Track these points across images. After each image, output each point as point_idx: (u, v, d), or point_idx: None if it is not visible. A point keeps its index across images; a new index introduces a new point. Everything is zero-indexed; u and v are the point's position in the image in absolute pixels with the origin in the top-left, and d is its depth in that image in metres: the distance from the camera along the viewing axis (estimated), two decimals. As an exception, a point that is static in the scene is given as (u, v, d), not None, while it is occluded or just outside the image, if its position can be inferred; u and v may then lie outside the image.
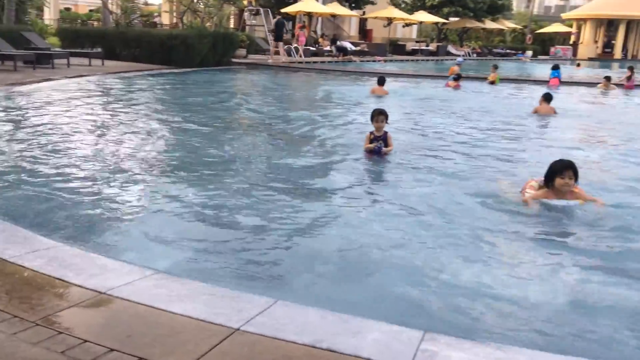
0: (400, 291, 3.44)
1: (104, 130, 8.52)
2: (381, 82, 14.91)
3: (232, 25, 35.32)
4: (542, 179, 5.15)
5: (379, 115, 7.12)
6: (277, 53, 26.23)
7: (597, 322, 3.16)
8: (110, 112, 10.42)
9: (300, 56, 27.44)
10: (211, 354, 2.34)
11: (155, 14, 43.51)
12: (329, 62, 29.24)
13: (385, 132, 7.18)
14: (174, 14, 32.27)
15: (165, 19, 40.46)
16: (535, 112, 12.38)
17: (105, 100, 12.36)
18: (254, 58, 27.71)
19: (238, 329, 2.55)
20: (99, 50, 20.32)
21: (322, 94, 15.85)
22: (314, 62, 27.89)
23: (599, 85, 20.17)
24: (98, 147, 7.23)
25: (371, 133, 7.20)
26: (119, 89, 14.62)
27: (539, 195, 5.11)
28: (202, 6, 26.46)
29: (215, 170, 6.36)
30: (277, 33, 26.18)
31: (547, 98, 12.43)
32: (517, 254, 4.11)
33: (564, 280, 3.69)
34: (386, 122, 7.20)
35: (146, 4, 49.44)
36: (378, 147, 6.98)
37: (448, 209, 5.05)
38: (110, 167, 6.18)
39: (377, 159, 7.01)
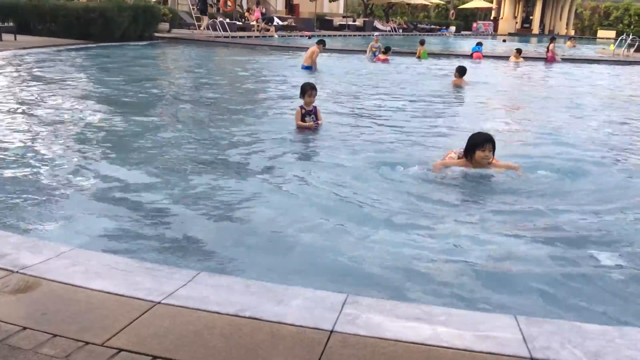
0: (326, 259, 3.48)
1: (18, 107, 8.08)
2: (462, 72, 13.05)
3: (154, -1, 34.06)
4: (462, 150, 5.29)
5: (312, 90, 7.06)
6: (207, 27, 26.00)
7: (510, 279, 3.33)
8: (24, 89, 9.87)
9: (227, 30, 26.90)
10: (130, 327, 2.28)
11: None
12: (255, 36, 28.82)
13: (315, 107, 7.18)
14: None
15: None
16: (454, 85, 12.84)
17: (19, 76, 11.69)
18: (178, 32, 26.94)
19: (159, 302, 2.50)
20: (11, 24, 19.13)
21: (249, 69, 15.63)
22: (241, 37, 27.43)
23: (510, 58, 21.04)
24: (13, 125, 6.85)
25: (302, 108, 7.13)
26: (35, 65, 13.84)
27: (457, 163, 5.25)
28: (122, -22, 25.31)
29: (138, 147, 6.16)
30: (201, 7, 25.85)
31: (460, 71, 12.90)
32: (437, 220, 4.22)
33: (481, 242, 3.83)
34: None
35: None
36: (316, 124, 7.04)
37: (371, 181, 5.12)
38: (25, 145, 5.89)
39: (309, 133, 6.99)
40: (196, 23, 25.95)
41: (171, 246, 3.54)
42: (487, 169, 5.16)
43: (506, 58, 22.00)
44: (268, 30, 31.18)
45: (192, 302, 2.52)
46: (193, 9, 28.53)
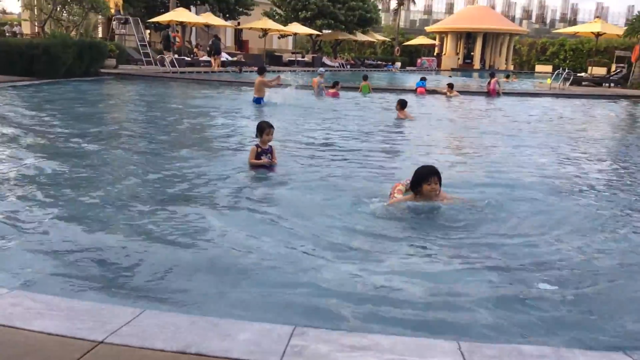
0: (273, 292, 3.49)
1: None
2: (403, 105, 13.53)
3: (100, 35, 33.76)
4: (409, 181, 5.36)
5: (270, 128, 6.90)
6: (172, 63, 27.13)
7: (455, 306, 3.40)
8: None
9: (174, 66, 26.88)
10: (72, 369, 2.23)
11: (15, 23, 40.63)
12: (204, 72, 28.87)
13: (270, 146, 7.00)
14: (35, 23, 30.22)
15: (25, 29, 37.85)
16: (398, 116, 13.28)
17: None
18: (125, 68, 26.70)
19: (102, 342, 2.45)
20: (-53, 61, 18.57)
21: (198, 104, 15.59)
22: (190, 72, 27.42)
23: (446, 91, 21.83)
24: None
25: (257, 146, 6.93)
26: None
27: (406, 200, 5.30)
28: (66, 14, 25.04)
29: (77, 185, 6.01)
30: (164, 43, 29.47)
31: (402, 104, 13.37)
32: (383, 252, 4.26)
33: (426, 272, 3.91)
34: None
35: (4, 12, 46.06)
36: (269, 162, 6.86)
37: (321, 215, 5.15)
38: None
39: (262, 171, 6.80)
40: (159, 58, 26.32)
41: (114, 285, 3.48)
42: (435, 201, 5.25)
43: (461, 93, 22.81)
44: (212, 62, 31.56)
45: (135, 340, 2.48)
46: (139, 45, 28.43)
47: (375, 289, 3.58)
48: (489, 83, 23.03)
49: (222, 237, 4.46)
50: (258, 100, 15.24)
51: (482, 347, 2.55)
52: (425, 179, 5.12)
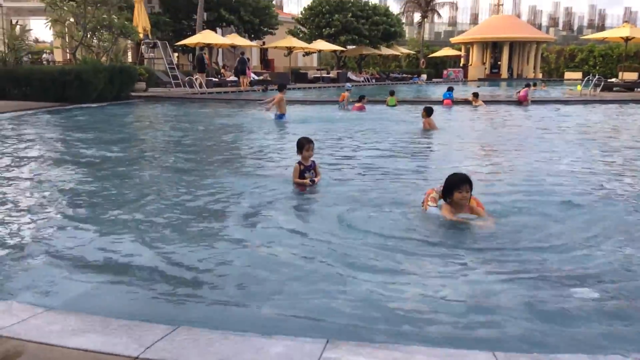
0: (305, 306, 3.47)
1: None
2: (429, 112, 13.45)
3: (130, 59, 34.56)
4: (441, 187, 5.33)
5: (309, 144, 6.72)
6: (201, 85, 27.75)
7: (490, 316, 3.34)
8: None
9: (204, 87, 27.33)
10: (108, 384, 2.26)
11: (47, 51, 41.88)
12: (232, 92, 29.25)
13: (313, 161, 6.83)
14: (67, 49, 31.12)
15: (57, 56, 39.00)
16: (424, 127, 13.21)
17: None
18: (154, 91, 27.23)
19: (137, 357, 2.48)
20: (-16, 90, 19.20)
21: (225, 123, 15.80)
22: (217, 93, 27.82)
23: (472, 101, 21.67)
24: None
25: (300, 164, 6.73)
26: (9, 127, 13.85)
27: (445, 212, 5.24)
28: (96, 41, 25.70)
29: (112, 205, 6.11)
30: (198, 66, 29.97)
31: (428, 111, 13.30)
32: (416, 263, 4.24)
33: (460, 283, 3.87)
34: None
35: (36, 41, 47.50)
36: (312, 180, 6.66)
37: (353, 228, 5.13)
38: (2, 207, 5.85)
39: (307, 189, 6.64)
40: (195, 82, 26.89)
41: (148, 302, 3.51)
42: (467, 212, 5.20)
43: (487, 102, 22.66)
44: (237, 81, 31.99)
45: (170, 356, 2.51)
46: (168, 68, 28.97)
47: (408, 301, 3.54)
48: (519, 92, 22.84)
49: (253, 252, 4.48)
50: (280, 117, 15.51)
51: (518, 356, 2.50)
52: (457, 186, 5.10)
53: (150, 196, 6.51)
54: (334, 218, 5.48)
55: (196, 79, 27.47)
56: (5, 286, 3.76)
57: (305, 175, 6.68)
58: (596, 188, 7.10)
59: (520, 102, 22.31)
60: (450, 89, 23.00)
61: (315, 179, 6.72)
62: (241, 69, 32.15)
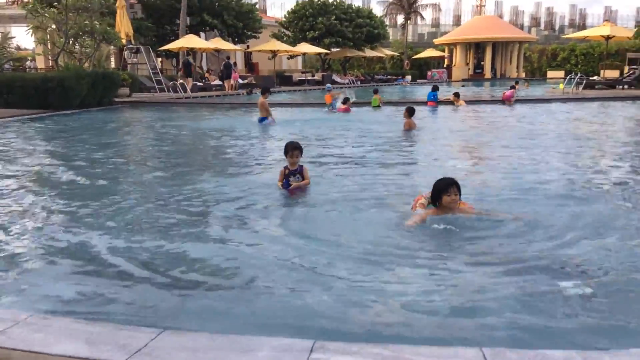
0: (292, 307, 3.46)
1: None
2: (411, 112, 13.48)
3: (113, 65, 34.32)
4: (429, 193, 5.32)
5: (293, 150, 6.64)
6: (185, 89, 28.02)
7: (478, 313, 3.35)
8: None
9: (188, 91, 27.23)
10: (93, 390, 2.23)
11: (29, 58, 41.48)
12: (216, 96, 29.15)
13: (301, 166, 6.75)
14: (49, 56, 30.85)
15: (40, 63, 38.63)
16: (404, 127, 13.24)
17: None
18: (138, 96, 27.06)
19: (122, 363, 2.45)
20: (-35, 98, 18.94)
21: (211, 127, 15.76)
22: (202, 97, 27.71)
23: (453, 100, 21.83)
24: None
25: (285, 168, 6.71)
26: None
27: (429, 214, 5.24)
28: (78, 47, 25.50)
29: (97, 210, 6.05)
30: (186, 70, 30.36)
31: (410, 111, 13.34)
32: (403, 264, 4.20)
33: (447, 281, 3.87)
34: (300, 156, 6.78)
35: (18, 48, 47.00)
36: (296, 186, 6.59)
37: (340, 230, 5.13)
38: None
39: (294, 193, 6.55)
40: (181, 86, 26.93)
41: (133, 307, 3.48)
42: (457, 213, 5.19)
43: (471, 102, 22.79)
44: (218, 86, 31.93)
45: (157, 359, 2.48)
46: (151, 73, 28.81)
47: (396, 300, 3.54)
48: (505, 91, 22.99)
49: (239, 254, 4.46)
50: (261, 120, 15.43)
51: (506, 352, 2.51)
52: (444, 190, 5.12)
53: (134, 200, 6.46)
54: (319, 220, 5.48)
55: (181, 84, 27.36)
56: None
57: (290, 179, 6.65)
58: (581, 182, 7.18)
59: (504, 102, 22.47)
60: (435, 89, 22.99)
61: (302, 183, 6.65)
62: (227, 74, 32.12)
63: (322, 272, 4.04)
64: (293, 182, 6.62)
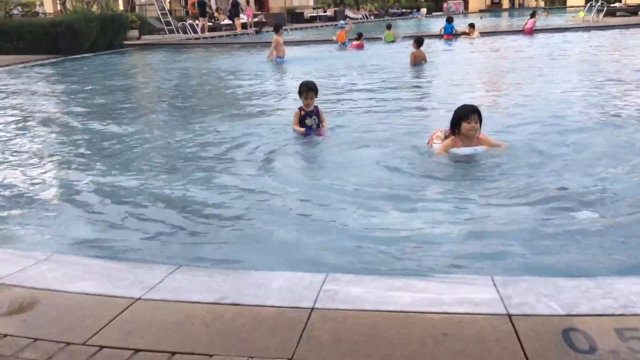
0: (307, 242, 3.48)
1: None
2: (420, 42, 13.23)
3: (121, 7, 33.76)
4: (447, 128, 5.20)
5: (308, 92, 6.32)
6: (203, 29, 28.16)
7: (490, 244, 3.34)
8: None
9: (198, 32, 26.81)
10: (111, 325, 2.29)
11: (38, 3, 40.94)
12: (227, 35, 28.70)
13: (316, 107, 6.44)
14: (57, 1, 30.36)
15: (48, 8, 38.13)
16: (412, 59, 12.99)
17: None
18: (147, 39, 26.75)
19: (139, 298, 2.51)
20: (-25, 45, 18.88)
21: (224, 67, 15.56)
22: (212, 37, 27.30)
23: (468, 32, 21.22)
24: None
25: (300, 109, 6.40)
26: (5, 81, 13.68)
27: (447, 145, 5.14)
28: (85, -11, 25.09)
29: (112, 152, 6.11)
30: (200, 10, 29.60)
31: (418, 42, 12.98)
32: (419, 198, 4.18)
33: (461, 214, 3.84)
34: (316, 97, 6.45)
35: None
36: (312, 127, 6.32)
37: (356, 166, 5.08)
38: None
39: (308, 135, 6.29)
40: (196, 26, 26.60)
41: (149, 245, 3.53)
42: (476, 145, 5.07)
43: (489, 34, 22.18)
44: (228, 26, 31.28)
45: (172, 295, 2.53)
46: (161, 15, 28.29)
47: (409, 233, 3.53)
48: (527, 22, 22.23)
49: (253, 194, 4.46)
50: (279, 60, 15.18)
51: (517, 280, 2.52)
52: (465, 117, 4.94)
53: (150, 142, 6.49)
54: (333, 160, 5.43)
55: (190, 25, 26.91)
56: (5, 234, 3.78)
57: (306, 121, 6.36)
58: (599, 114, 7.01)
59: (525, 33, 21.80)
60: (449, 20, 22.26)
61: (323, 126, 6.41)
62: (234, 12, 31.42)
63: (335, 210, 4.01)
64: (309, 123, 6.36)
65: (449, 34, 21.50)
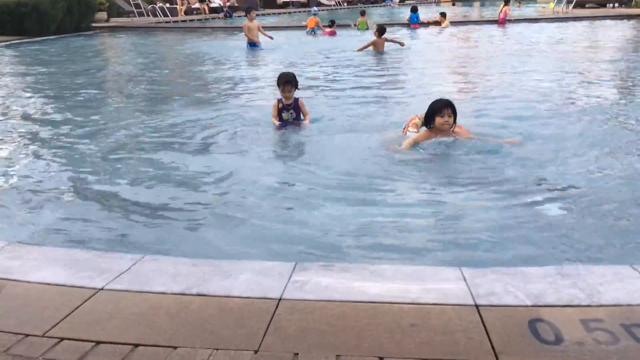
0: (276, 232, 3.45)
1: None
2: (382, 31, 13.30)
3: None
4: (423, 114, 5.16)
5: (285, 85, 5.98)
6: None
7: (458, 234, 3.36)
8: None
9: (168, 15, 26.33)
10: (72, 316, 2.22)
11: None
12: (197, 20, 28.28)
13: (296, 99, 6.12)
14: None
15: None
16: (373, 47, 13.03)
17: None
18: (116, 21, 26.21)
19: (102, 289, 2.44)
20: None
21: (194, 52, 15.31)
22: (183, 22, 26.87)
23: (440, 21, 21.30)
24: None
25: (279, 101, 6.11)
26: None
27: (420, 137, 5.12)
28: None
29: (77, 138, 5.94)
30: None
31: (380, 30, 13.10)
32: (390, 188, 4.17)
33: (431, 207, 3.84)
34: (295, 89, 6.10)
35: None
36: (284, 123, 6.05)
37: (328, 154, 5.03)
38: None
39: (287, 129, 6.03)
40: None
41: (113, 234, 3.45)
42: (450, 136, 5.04)
43: (463, 23, 22.27)
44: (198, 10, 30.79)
45: (136, 285, 2.47)
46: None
47: (379, 224, 3.53)
48: (501, 11, 22.29)
49: (222, 182, 4.40)
50: (251, 45, 14.86)
51: (485, 271, 2.52)
52: (438, 111, 4.95)
53: (118, 129, 6.33)
54: (305, 148, 5.40)
55: (160, 8, 26.42)
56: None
57: (283, 114, 6.10)
58: (570, 104, 7.11)
59: (499, 23, 21.92)
60: (414, 10, 22.17)
61: (304, 119, 6.12)
62: None
63: (306, 200, 3.98)
64: (285, 117, 6.11)
65: (415, 22, 21.50)
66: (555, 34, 18.30)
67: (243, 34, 15.36)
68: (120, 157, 5.18)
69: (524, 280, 2.42)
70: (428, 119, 5.07)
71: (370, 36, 15.20)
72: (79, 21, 21.93)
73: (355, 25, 20.81)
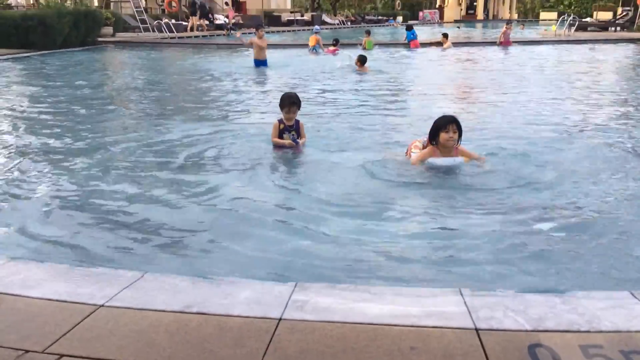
0: (276, 252, 3.44)
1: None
2: (363, 61, 13.71)
3: (95, 3, 33.27)
4: (426, 138, 5.20)
5: (291, 106, 5.89)
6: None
7: (459, 257, 3.36)
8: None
9: (174, 31, 26.54)
10: (72, 332, 2.22)
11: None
12: (202, 36, 28.50)
13: (297, 121, 6.03)
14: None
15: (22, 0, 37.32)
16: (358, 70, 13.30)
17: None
18: (122, 36, 26.42)
19: (102, 305, 2.44)
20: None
21: (198, 69, 15.42)
22: (187, 37, 27.08)
23: (442, 42, 21.51)
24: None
25: (280, 122, 6.00)
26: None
27: (425, 154, 5.14)
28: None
29: (80, 153, 5.96)
30: (192, 9, 30.92)
31: (362, 60, 13.46)
32: (390, 209, 4.17)
33: (438, 230, 3.82)
34: (298, 111, 6.04)
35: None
36: (295, 141, 5.92)
37: (329, 180, 4.98)
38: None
39: (284, 150, 5.92)
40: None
41: (114, 251, 3.45)
42: (455, 155, 5.08)
43: (465, 44, 22.43)
44: (200, 27, 31.01)
45: (136, 303, 2.48)
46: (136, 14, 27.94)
47: (380, 244, 3.52)
48: (503, 33, 22.40)
49: (223, 201, 4.39)
50: (261, 63, 14.81)
51: (485, 294, 2.52)
52: (443, 127, 4.96)
53: (121, 145, 6.33)
54: (307, 167, 5.39)
55: (165, 24, 26.62)
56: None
57: (284, 135, 5.98)
58: (572, 127, 7.14)
59: (501, 44, 22.06)
60: (409, 28, 22.30)
61: (300, 141, 5.97)
62: (192, 11, 31.44)
63: (307, 220, 3.96)
64: (286, 139, 5.96)
65: (413, 39, 21.66)
66: (555, 57, 18.42)
67: (247, 48, 15.35)
68: (122, 173, 5.19)
69: (524, 304, 2.43)
70: (432, 135, 5.08)
71: (376, 54, 15.29)
72: (85, 35, 22.09)
73: (361, 44, 20.98)
